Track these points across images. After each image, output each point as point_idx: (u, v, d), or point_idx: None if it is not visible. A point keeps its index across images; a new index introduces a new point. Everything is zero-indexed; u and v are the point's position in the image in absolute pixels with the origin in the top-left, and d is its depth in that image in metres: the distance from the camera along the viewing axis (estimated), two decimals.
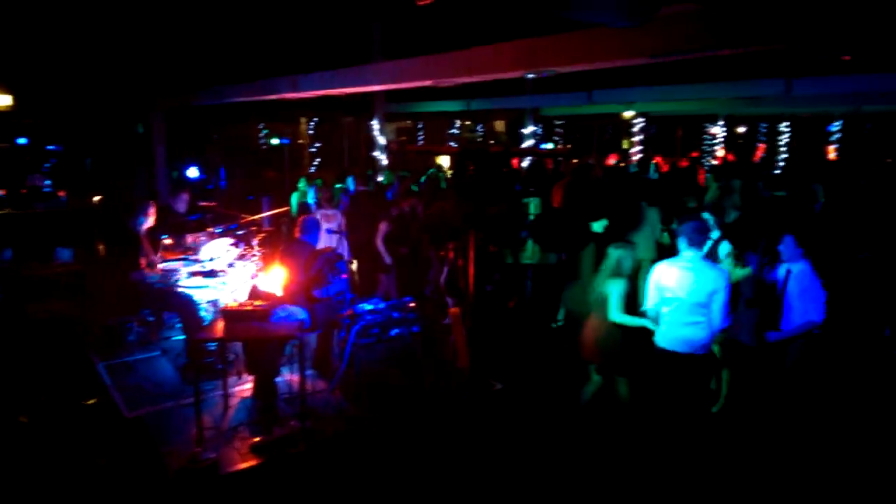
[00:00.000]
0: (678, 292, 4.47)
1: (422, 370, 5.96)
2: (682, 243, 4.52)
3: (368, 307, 6.10)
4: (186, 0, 10.78)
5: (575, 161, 12.40)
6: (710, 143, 23.53)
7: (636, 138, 21.03)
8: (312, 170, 20.56)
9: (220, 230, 7.47)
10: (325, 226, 7.76)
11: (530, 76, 6.30)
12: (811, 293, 4.80)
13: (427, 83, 7.39)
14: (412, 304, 6.20)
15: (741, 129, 26.22)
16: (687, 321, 4.46)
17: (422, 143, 24.61)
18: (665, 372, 4.60)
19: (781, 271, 4.94)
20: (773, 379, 5.17)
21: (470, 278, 5.76)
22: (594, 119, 23.61)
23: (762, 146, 24.66)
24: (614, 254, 4.94)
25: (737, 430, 5.22)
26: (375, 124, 14.93)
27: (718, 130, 22.79)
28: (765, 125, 25.19)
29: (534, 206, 6.85)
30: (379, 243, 7.69)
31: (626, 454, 4.85)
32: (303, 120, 21.80)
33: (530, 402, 5.86)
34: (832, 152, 22.09)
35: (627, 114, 19.92)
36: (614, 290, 4.82)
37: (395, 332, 6.08)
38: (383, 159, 14.88)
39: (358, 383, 5.71)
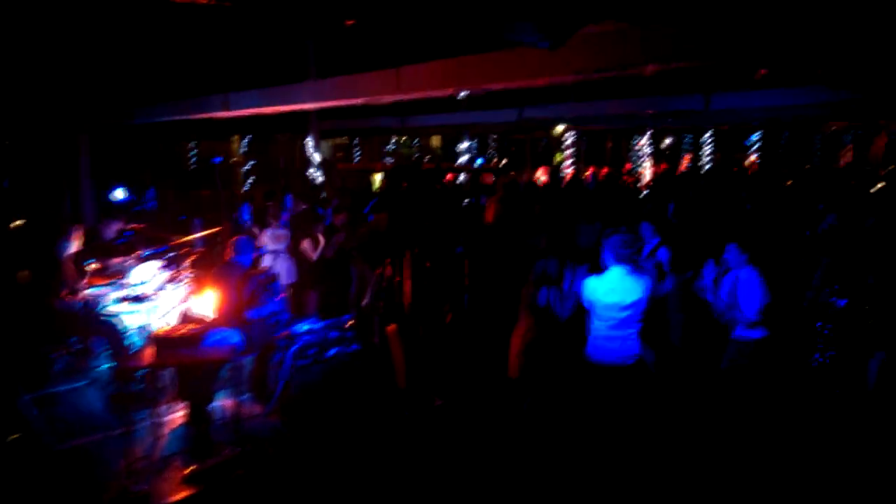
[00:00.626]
0: (609, 306, 4.58)
1: (361, 389, 5.92)
2: (608, 257, 4.63)
3: (305, 327, 6.03)
4: (111, 17, 10.46)
5: (513, 174, 12.69)
6: (637, 154, 24.43)
7: (567, 152, 21.63)
8: (246, 188, 20.19)
9: (149, 253, 7.24)
10: (271, 245, 7.62)
11: (464, 94, 6.44)
12: (751, 298, 5.04)
13: (359, 101, 7.43)
14: (350, 323, 6.16)
15: (667, 141, 27.32)
16: (615, 334, 4.58)
17: (358, 159, 24.54)
18: (598, 384, 4.70)
19: (727, 279, 5.18)
20: (704, 380, 5.39)
21: (406, 295, 5.79)
22: (526, 133, 24.15)
23: (687, 156, 25.76)
24: (541, 265, 5.09)
25: (672, 435, 5.39)
26: (310, 141, 14.81)
27: (645, 142, 23.68)
28: (689, 136, 26.36)
29: None
30: (314, 258, 7.65)
31: (566, 467, 4.95)
32: (236, 137, 21.41)
33: (472, 416, 5.90)
34: (753, 161, 23.31)
35: (559, 128, 20.47)
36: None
37: (332, 351, 6.03)
38: (319, 176, 14.78)
39: (295, 406, 5.61)
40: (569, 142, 21.49)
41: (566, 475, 4.83)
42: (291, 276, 7.78)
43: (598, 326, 4.66)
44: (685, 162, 24.94)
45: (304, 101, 8.46)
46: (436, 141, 27.50)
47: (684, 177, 17.12)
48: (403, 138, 26.63)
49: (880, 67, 6.13)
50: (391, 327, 5.97)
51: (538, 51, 4.80)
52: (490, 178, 14.31)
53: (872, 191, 11.36)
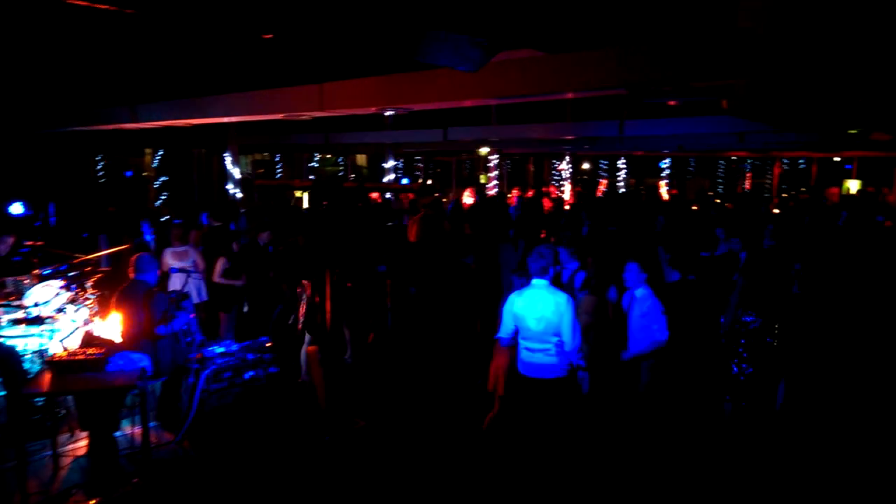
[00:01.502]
0: (528, 320, 4.68)
1: (280, 413, 5.73)
2: (532, 272, 4.75)
3: (220, 350, 5.79)
4: (6, 20, 9.82)
5: (437, 194, 12.79)
6: (557, 177, 25.22)
7: (492, 174, 22.06)
8: (158, 204, 19.34)
9: (48, 272, 6.77)
10: (176, 264, 7.33)
11: (389, 113, 6.45)
12: (653, 315, 5.23)
13: (278, 116, 7.30)
14: (268, 345, 5.98)
15: (585, 165, 28.37)
16: (538, 347, 4.67)
17: (280, 176, 24.05)
18: (526, 398, 4.77)
19: (626, 297, 5.37)
20: (625, 398, 5.54)
21: (327, 315, 5.67)
22: (452, 154, 24.46)
23: (604, 181, 26.85)
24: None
25: (600, 453, 5.51)
26: (228, 157, 14.40)
27: (565, 166, 24.47)
28: (605, 161, 27.48)
29: None
30: (216, 279, 7.42)
31: (490, 484, 4.95)
32: (148, 151, 20.51)
33: (395, 437, 5.83)
34: (663, 186, 24.53)
35: (483, 150, 20.84)
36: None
37: (249, 374, 5.82)
38: (237, 193, 14.37)
39: (209, 432, 5.36)
40: (493, 163, 21.93)
41: (486, 493, 4.84)
42: (202, 296, 7.50)
43: (521, 341, 4.75)
44: (602, 186, 25.98)
45: (219, 115, 8.21)
46: (362, 159, 27.37)
47: (600, 200, 17.78)
48: (328, 156, 26.36)
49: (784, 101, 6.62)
50: (311, 349, 5.82)
51: (461, 73, 4.87)
52: (410, 198, 14.38)
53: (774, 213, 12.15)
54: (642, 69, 4.96)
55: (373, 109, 6.38)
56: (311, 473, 5.20)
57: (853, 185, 19.58)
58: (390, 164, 18.95)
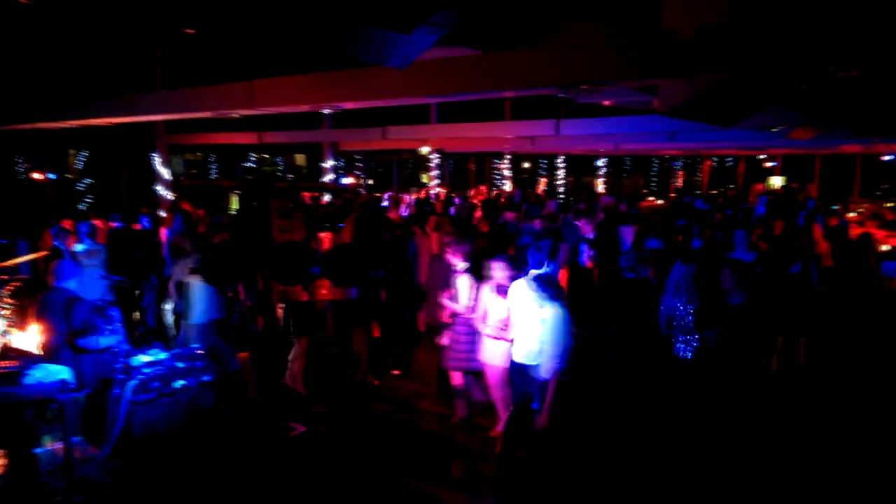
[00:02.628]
0: (524, 308, 4.81)
1: (213, 422, 5.54)
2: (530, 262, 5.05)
3: (147, 358, 5.56)
4: None
5: (377, 194, 12.67)
6: (498, 176, 25.45)
7: (434, 173, 22.07)
8: (82, 207, 18.47)
9: None
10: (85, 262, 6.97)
11: (327, 111, 6.34)
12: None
13: (207, 114, 7.07)
14: (200, 352, 5.77)
15: (525, 164, 28.75)
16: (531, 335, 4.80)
17: (215, 176, 23.38)
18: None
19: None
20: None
21: (259, 318, 5.52)
22: (393, 154, 24.34)
23: (544, 179, 27.27)
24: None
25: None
26: (157, 157, 13.88)
27: (506, 165, 24.73)
28: (545, 161, 27.90)
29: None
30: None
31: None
32: (72, 152, 19.59)
33: (334, 443, 5.73)
34: (599, 184, 25.11)
35: (424, 150, 20.82)
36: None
37: (180, 383, 5.60)
38: (168, 194, 13.86)
39: (137, 445, 5.13)
40: (434, 163, 21.95)
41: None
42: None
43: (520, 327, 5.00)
44: (541, 184, 26.38)
45: (145, 113, 7.89)
46: (301, 159, 26.89)
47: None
48: (264, 155, 25.79)
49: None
50: (243, 354, 5.66)
51: (394, 72, 4.83)
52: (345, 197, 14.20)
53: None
54: (574, 69, 5.04)
55: (305, 107, 6.25)
56: (245, 483, 5.05)
57: (777, 182, 20.53)
58: (329, 163, 18.68)
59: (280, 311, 6.69)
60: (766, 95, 7.75)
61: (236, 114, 8.09)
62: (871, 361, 7.19)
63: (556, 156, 24.76)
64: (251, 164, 24.88)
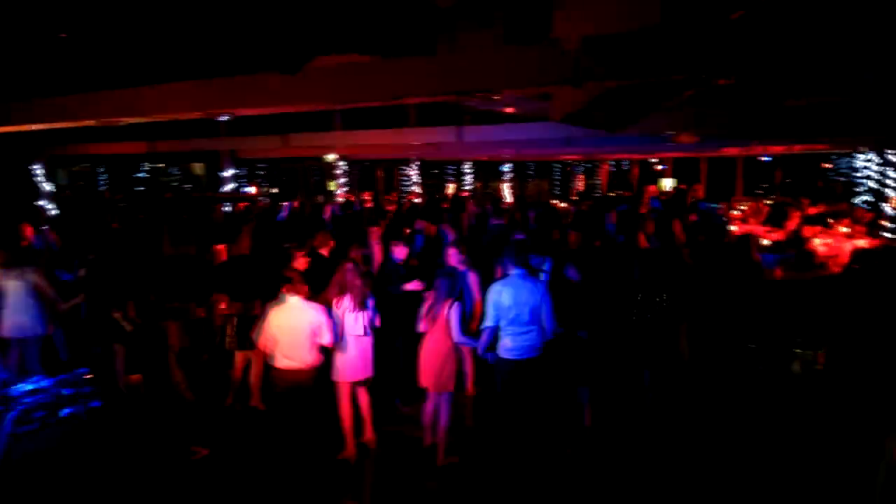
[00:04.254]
0: (513, 306, 5.13)
1: (106, 449, 5.22)
2: (508, 264, 5.27)
3: (28, 387, 5.20)
4: None
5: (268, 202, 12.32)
6: (406, 183, 25.47)
7: (341, 181, 21.78)
8: None
9: None
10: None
11: (224, 118, 6.12)
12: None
13: (90, 123, 6.66)
14: (88, 377, 5.42)
15: (434, 171, 28.95)
16: (524, 330, 5.14)
17: (104, 189, 22.01)
18: (513, 378, 5.24)
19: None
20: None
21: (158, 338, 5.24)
22: (298, 162, 23.81)
23: (450, 185, 27.56)
24: (443, 279, 5.36)
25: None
26: (38, 169, 12.92)
27: (414, 172, 24.77)
28: (452, 166, 28.21)
29: None
30: None
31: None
32: None
33: (238, 464, 5.52)
34: (506, 189, 25.68)
35: (330, 157, 20.50)
36: (455, 314, 5.24)
37: (67, 411, 5.27)
38: (52, 209, 12.93)
39: (19, 478, 4.76)
40: (341, 170, 21.65)
41: None
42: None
43: (508, 325, 5.36)
44: (449, 190, 26.63)
45: (21, 123, 7.31)
46: (198, 168, 25.79)
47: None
48: (160, 164, 24.56)
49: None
50: (135, 377, 5.36)
51: (287, 78, 4.72)
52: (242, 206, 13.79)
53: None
54: (469, 76, 5.12)
55: (198, 114, 6.01)
56: None
57: (668, 184, 21.75)
58: (229, 172, 18.05)
59: (175, 329, 6.39)
60: (651, 103, 8.21)
61: (124, 122, 7.65)
62: (754, 347, 7.73)
63: (462, 162, 25.06)
64: (143, 175, 23.64)
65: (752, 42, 4.42)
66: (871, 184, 16.63)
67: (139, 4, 3.88)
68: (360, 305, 5.44)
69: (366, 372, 5.59)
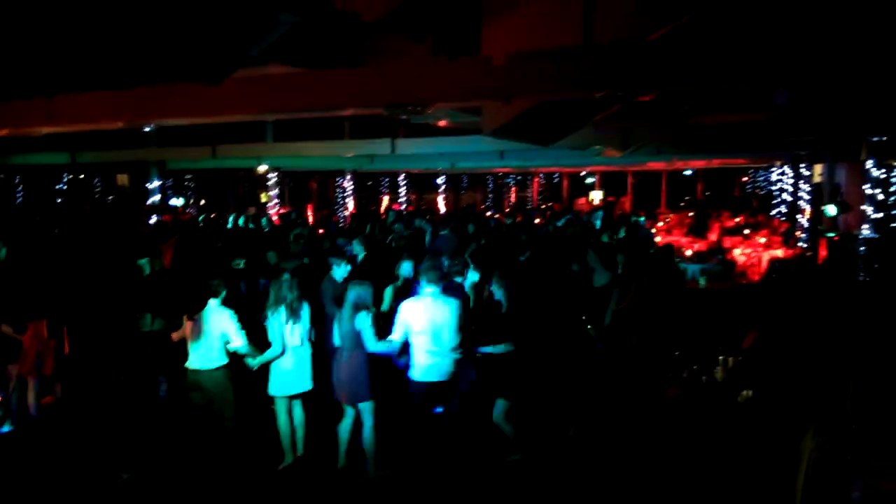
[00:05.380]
0: (424, 325, 5.04)
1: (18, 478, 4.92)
2: (422, 281, 5.20)
3: None
4: None
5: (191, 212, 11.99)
6: (341, 195, 25.28)
7: (273, 192, 21.39)
8: None
9: None
10: None
11: (148, 128, 5.91)
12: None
13: (3, 133, 6.32)
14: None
15: (369, 183, 28.83)
16: (435, 351, 5.06)
17: (20, 201, 20.86)
18: (424, 401, 5.19)
19: None
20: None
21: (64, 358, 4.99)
22: (229, 173, 23.26)
23: (384, 197, 27.54)
24: (354, 291, 5.22)
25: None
26: None
27: (348, 184, 24.61)
28: (386, 179, 28.19)
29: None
30: None
31: None
32: None
33: (163, 486, 5.30)
34: (440, 200, 25.87)
35: (261, 168, 20.12)
36: (365, 324, 5.13)
37: None
38: None
39: None
40: (273, 182, 21.27)
41: None
42: None
43: (419, 345, 5.27)
44: (384, 202, 26.59)
45: None
46: (123, 180, 24.78)
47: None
48: (81, 175, 23.47)
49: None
50: (46, 399, 5.08)
51: (208, 88, 4.62)
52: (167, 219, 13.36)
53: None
54: (399, 89, 5.15)
55: (119, 124, 5.79)
56: None
57: (597, 196, 22.44)
58: (156, 183, 17.45)
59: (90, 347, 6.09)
60: (579, 118, 8.47)
61: (41, 132, 7.31)
62: (679, 355, 8.02)
63: (397, 173, 25.10)
64: (63, 187, 22.55)
65: (668, 61, 4.64)
66: (786, 196, 17.66)
67: (55, 11, 3.71)
68: (295, 317, 5.36)
69: (302, 385, 5.50)
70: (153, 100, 5.07)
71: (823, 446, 4.14)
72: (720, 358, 7.23)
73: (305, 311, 5.49)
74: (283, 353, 5.36)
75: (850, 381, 3.63)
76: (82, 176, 23.48)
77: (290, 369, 5.40)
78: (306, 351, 5.52)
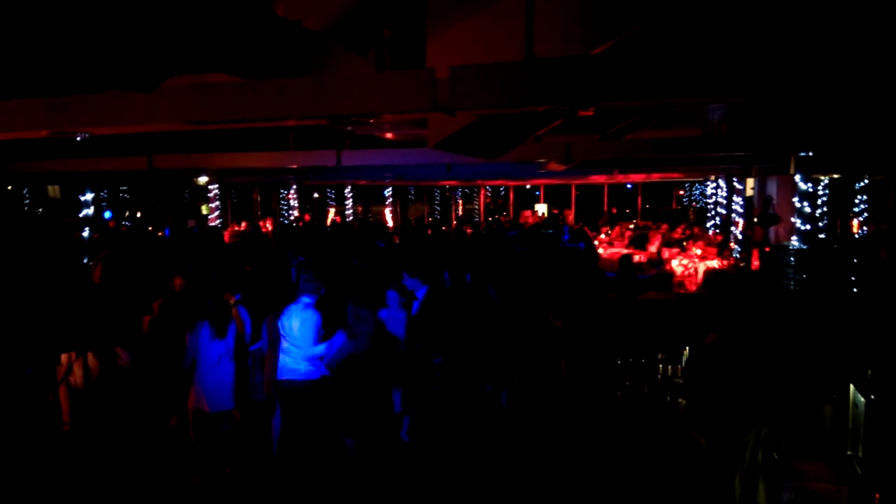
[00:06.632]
0: (293, 332, 5.49)
1: None
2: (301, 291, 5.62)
3: None
4: None
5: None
6: (286, 206, 24.83)
7: (214, 204, 20.84)
8: None
9: None
10: None
11: (79, 138, 5.63)
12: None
13: None
14: None
15: (315, 195, 28.44)
16: (296, 356, 5.47)
17: None
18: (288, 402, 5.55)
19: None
20: None
21: None
22: (167, 183, 22.54)
23: (333, 208, 27.24)
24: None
25: None
26: None
27: (293, 195, 24.19)
28: (332, 190, 27.89)
29: None
30: None
31: None
32: None
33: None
34: (388, 212, 25.78)
35: (202, 179, 19.58)
36: (203, 335, 5.38)
37: None
38: None
39: None
40: (214, 193, 20.73)
41: None
42: None
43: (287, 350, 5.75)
44: (330, 214, 26.29)
45: None
46: (53, 190, 23.68)
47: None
48: (9, 187, 22.30)
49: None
50: None
51: (140, 96, 4.44)
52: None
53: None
54: (340, 100, 5.08)
55: (43, 133, 5.50)
56: None
57: (541, 209, 22.77)
58: (89, 196, 16.74)
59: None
60: (523, 132, 8.57)
61: None
62: (620, 363, 8.17)
63: (344, 185, 24.86)
64: None
65: (609, 77, 4.73)
66: (721, 209, 18.32)
67: None
68: (220, 334, 5.28)
69: (222, 404, 5.39)
70: (81, 107, 4.85)
71: (764, 442, 4.28)
72: (659, 366, 7.43)
73: (231, 327, 5.50)
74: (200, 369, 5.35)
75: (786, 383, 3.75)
76: (10, 187, 22.33)
77: (209, 385, 5.35)
78: (230, 368, 5.46)
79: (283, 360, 5.53)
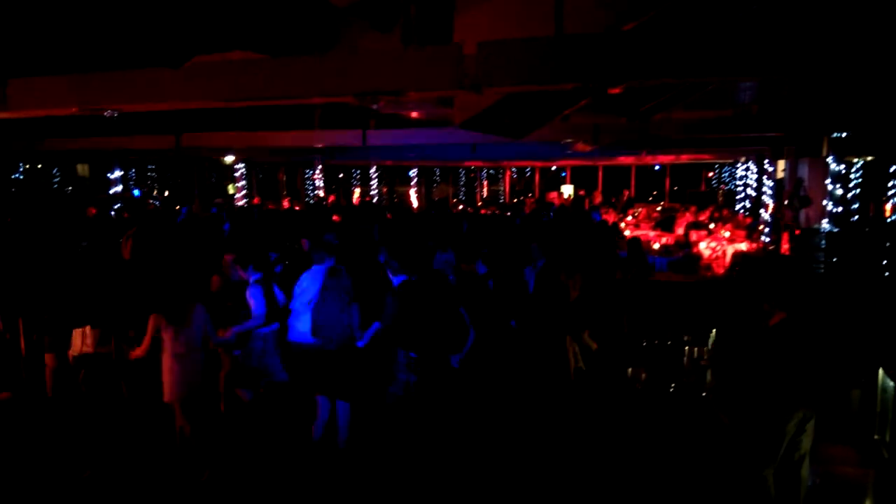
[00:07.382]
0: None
1: None
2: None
3: None
4: None
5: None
6: (311, 186, 24.96)
7: (240, 183, 21.03)
8: None
9: None
10: None
11: (108, 114, 5.68)
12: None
13: None
14: None
15: (340, 175, 28.54)
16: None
17: None
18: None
19: None
20: None
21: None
22: (194, 163, 22.78)
23: (358, 188, 27.31)
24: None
25: None
26: None
27: (318, 174, 24.30)
28: (357, 171, 27.95)
29: None
30: None
31: None
32: None
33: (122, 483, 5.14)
34: (413, 193, 25.76)
35: (228, 159, 19.74)
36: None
37: None
38: None
39: None
40: (240, 172, 20.90)
41: None
42: None
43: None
44: (356, 194, 26.36)
45: None
46: (83, 170, 24.11)
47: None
48: (39, 165, 22.78)
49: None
50: (3, 395, 4.87)
51: (169, 73, 4.45)
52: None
53: None
54: (367, 77, 5.04)
55: (74, 110, 5.56)
56: None
57: (567, 190, 22.55)
58: (117, 173, 16.99)
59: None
60: (550, 111, 8.46)
61: None
62: (646, 345, 8.10)
63: (369, 166, 24.87)
64: (19, 177, 21.84)
65: (640, 53, 4.62)
66: (750, 191, 17.96)
67: None
68: (182, 321, 5.20)
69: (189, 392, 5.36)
70: (110, 84, 4.88)
71: (804, 425, 4.20)
72: (685, 348, 7.34)
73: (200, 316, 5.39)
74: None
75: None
76: (40, 166, 22.79)
77: (175, 376, 5.33)
78: (198, 358, 5.38)
79: (294, 324, 5.55)
